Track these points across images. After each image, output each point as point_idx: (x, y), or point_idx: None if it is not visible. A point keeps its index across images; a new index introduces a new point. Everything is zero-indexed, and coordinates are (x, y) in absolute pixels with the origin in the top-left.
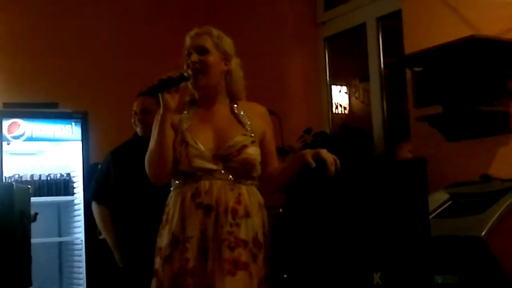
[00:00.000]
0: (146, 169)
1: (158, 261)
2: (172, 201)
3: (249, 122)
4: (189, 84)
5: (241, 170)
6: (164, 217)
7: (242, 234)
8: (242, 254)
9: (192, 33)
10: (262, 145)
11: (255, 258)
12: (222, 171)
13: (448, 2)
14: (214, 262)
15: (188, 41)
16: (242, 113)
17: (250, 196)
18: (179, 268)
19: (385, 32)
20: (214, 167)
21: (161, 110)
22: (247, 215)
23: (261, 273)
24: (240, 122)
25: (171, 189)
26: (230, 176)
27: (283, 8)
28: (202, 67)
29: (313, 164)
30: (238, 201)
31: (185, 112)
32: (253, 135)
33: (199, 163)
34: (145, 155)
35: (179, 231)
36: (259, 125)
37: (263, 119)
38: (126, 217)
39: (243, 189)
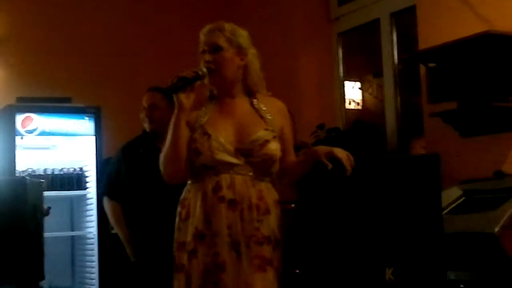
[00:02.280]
0: (161, 169)
1: (183, 256)
2: (192, 194)
3: (270, 117)
4: (205, 81)
5: (261, 166)
6: (182, 211)
7: (265, 230)
8: (267, 250)
9: (205, 30)
10: (280, 140)
11: (276, 254)
12: (243, 166)
13: None
14: (247, 258)
15: (201, 38)
16: (262, 107)
17: (268, 192)
18: (209, 263)
19: (399, 28)
20: (235, 161)
21: (175, 110)
22: (268, 211)
23: (280, 268)
24: (261, 116)
25: (188, 182)
26: (251, 172)
27: (297, 4)
28: (216, 65)
29: (330, 166)
30: (260, 197)
31: (203, 108)
32: (274, 130)
33: (221, 156)
34: (154, 150)
35: (203, 225)
36: (278, 120)
37: (282, 114)
38: (138, 212)
39: (262, 185)
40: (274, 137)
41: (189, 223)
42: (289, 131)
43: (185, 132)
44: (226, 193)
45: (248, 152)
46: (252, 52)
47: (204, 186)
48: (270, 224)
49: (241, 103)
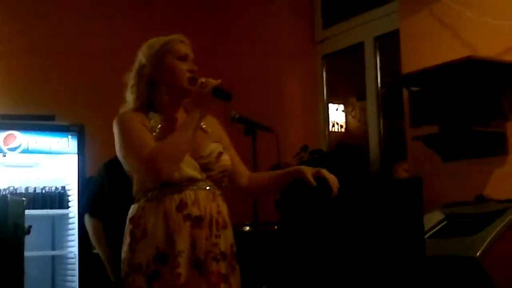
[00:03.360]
0: (157, 163)
1: (140, 279)
2: (147, 213)
3: (210, 130)
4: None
5: (218, 179)
6: (136, 231)
7: (222, 246)
8: (222, 266)
9: (183, 38)
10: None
11: (233, 269)
12: (204, 181)
13: (445, 22)
14: (206, 275)
15: (183, 45)
16: (204, 125)
17: (224, 206)
18: (171, 285)
19: (383, 52)
20: (199, 176)
21: (199, 113)
22: (225, 226)
23: (237, 284)
24: (203, 130)
25: (141, 199)
26: (210, 187)
27: (282, 26)
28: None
29: (314, 184)
30: (218, 212)
31: (151, 120)
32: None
33: (189, 171)
34: None
35: (165, 246)
36: (217, 132)
37: (217, 125)
38: (119, 230)
39: (219, 199)
40: (224, 148)
41: (145, 243)
42: (229, 142)
43: None
44: (191, 210)
45: (207, 165)
46: None
47: (165, 205)
48: (228, 238)
49: (182, 118)
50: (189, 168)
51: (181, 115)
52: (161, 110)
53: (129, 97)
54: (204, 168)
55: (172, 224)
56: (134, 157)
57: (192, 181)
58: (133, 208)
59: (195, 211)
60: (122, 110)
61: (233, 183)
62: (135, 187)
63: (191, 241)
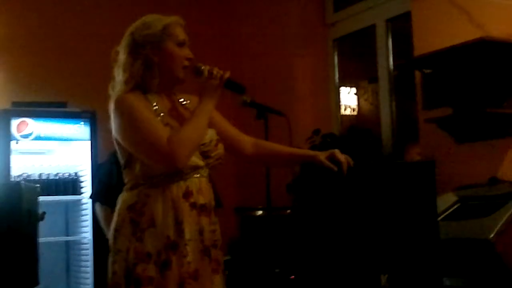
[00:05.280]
0: (176, 152)
1: (151, 268)
2: (153, 200)
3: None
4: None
5: (213, 166)
6: (141, 219)
7: (218, 233)
8: (219, 253)
9: (181, 20)
10: (220, 125)
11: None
12: (204, 169)
13: (457, 3)
14: (212, 262)
15: (180, 29)
16: (189, 103)
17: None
18: (184, 273)
19: (395, 34)
20: (201, 163)
21: (214, 100)
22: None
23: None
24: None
25: (141, 186)
26: (207, 174)
27: (293, 9)
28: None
29: (335, 168)
30: (213, 199)
31: (154, 104)
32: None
33: (193, 160)
34: None
35: (175, 234)
36: None
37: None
38: None
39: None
40: (218, 126)
41: (153, 232)
42: (218, 113)
43: None
44: (197, 198)
45: (207, 153)
46: None
47: (172, 192)
48: (218, 226)
49: (176, 101)
50: (194, 156)
51: (176, 96)
52: (155, 91)
53: (120, 75)
54: (204, 155)
55: (180, 213)
56: (148, 146)
57: (195, 168)
58: (130, 195)
59: (200, 200)
60: (112, 90)
61: (237, 153)
62: (135, 172)
63: (199, 229)
